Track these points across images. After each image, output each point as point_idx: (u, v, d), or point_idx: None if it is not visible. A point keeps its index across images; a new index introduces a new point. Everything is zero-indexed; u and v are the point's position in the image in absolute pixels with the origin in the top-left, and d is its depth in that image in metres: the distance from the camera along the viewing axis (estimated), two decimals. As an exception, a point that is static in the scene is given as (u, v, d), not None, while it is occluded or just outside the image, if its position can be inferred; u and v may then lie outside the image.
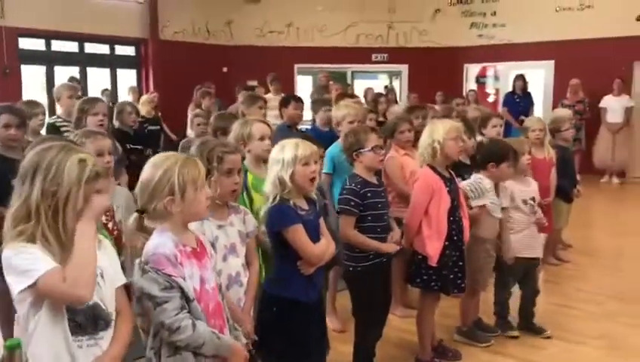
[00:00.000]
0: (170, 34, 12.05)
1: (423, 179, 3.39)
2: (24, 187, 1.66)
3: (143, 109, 7.67)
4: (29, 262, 1.61)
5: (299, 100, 5.18)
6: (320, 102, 5.41)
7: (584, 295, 4.74)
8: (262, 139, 3.19)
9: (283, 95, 7.11)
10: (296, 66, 13.27)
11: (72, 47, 10.81)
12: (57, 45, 10.63)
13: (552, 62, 11.53)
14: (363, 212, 3.04)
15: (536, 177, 4.07)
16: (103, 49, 11.30)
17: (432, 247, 3.31)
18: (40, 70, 10.40)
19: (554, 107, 11.06)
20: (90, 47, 11.08)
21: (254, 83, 12.41)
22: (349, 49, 13.15)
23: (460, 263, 3.40)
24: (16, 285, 1.62)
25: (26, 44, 10.08)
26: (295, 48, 13.06)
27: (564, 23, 11.18)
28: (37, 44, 10.33)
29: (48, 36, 10.37)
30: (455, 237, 3.36)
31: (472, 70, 13.14)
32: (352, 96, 6.76)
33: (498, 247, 3.74)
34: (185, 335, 1.90)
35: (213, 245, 2.28)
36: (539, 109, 10.90)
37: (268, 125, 3.43)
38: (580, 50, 10.81)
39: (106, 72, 11.34)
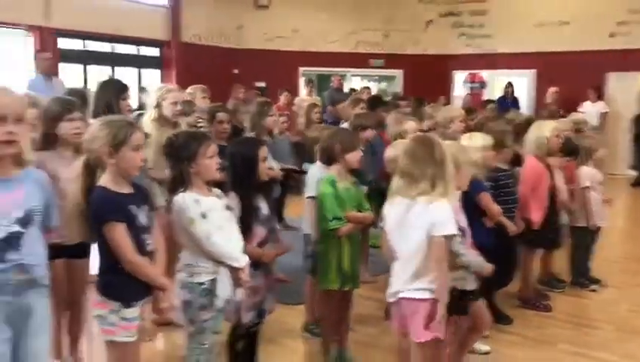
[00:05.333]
0: (189, 37, 12.88)
1: (528, 166, 4.59)
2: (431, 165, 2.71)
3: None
4: (451, 214, 2.69)
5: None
6: (394, 105, 6.54)
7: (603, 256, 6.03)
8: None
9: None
10: (300, 69, 14.30)
11: (104, 47, 11.51)
12: (91, 45, 11.31)
13: (534, 71, 13.07)
14: (496, 190, 4.12)
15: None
16: (131, 50, 12.04)
17: (536, 215, 4.52)
18: (77, 68, 11.04)
19: (535, 112, 12.64)
20: (120, 48, 11.81)
21: (262, 84, 13.44)
22: (349, 54, 14.32)
23: (557, 227, 4.64)
24: (447, 228, 2.65)
25: (64, 44, 10.71)
26: (300, 52, 14.11)
27: (545, 36, 12.71)
28: (74, 44, 10.98)
29: (84, 37, 11.06)
30: (554, 207, 4.59)
31: (459, 77, 14.56)
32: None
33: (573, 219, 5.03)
34: (468, 258, 3.02)
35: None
36: (522, 113, 12.37)
37: (417, 123, 4.57)
38: (559, 61, 12.37)
39: (134, 71, 12.07)
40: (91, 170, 2.38)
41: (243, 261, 2.77)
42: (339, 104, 9.95)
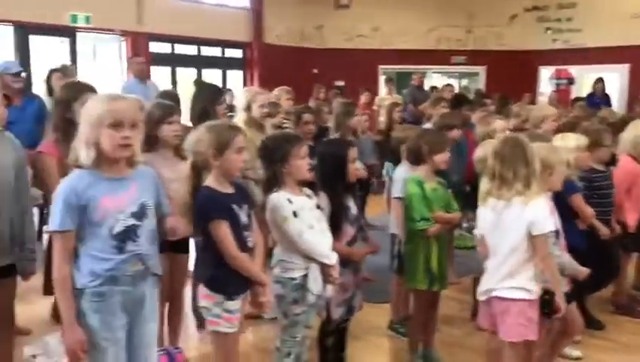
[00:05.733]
0: (272, 38, 13.19)
1: (623, 167, 4.41)
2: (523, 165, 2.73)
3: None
4: (548, 212, 2.73)
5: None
6: (479, 104, 6.44)
7: None
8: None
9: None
10: (380, 67, 14.31)
11: (191, 50, 12.00)
12: (179, 48, 11.82)
13: (627, 65, 12.43)
14: (590, 191, 3.98)
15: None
16: (216, 52, 12.48)
17: (632, 218, 4.34)
18: (166, 71, 11.57)
19: (628, 109, 12.02)
20: (205, 50, 12.27)
21: (341, 83, 13.54)
22: (430, 51, 14.17)
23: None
24: (546, 226, 2.69)
25: (155, 47, 11.24)
26: (380, 51, 14.11)
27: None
28: (164, 48, 11.51)
29: (173, 40, 11.57)
30: (651, 209, 4.39)
31: (545, 73, 14.08)
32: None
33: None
34: (562, 260, 2.98)
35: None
36: (614, 110, 11.78)
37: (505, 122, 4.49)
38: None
39: (218, 72, 12.51)
40: (198, 172, 2.54)
41: (333, 258, 2.85)
42: (420, 102, 9.94)
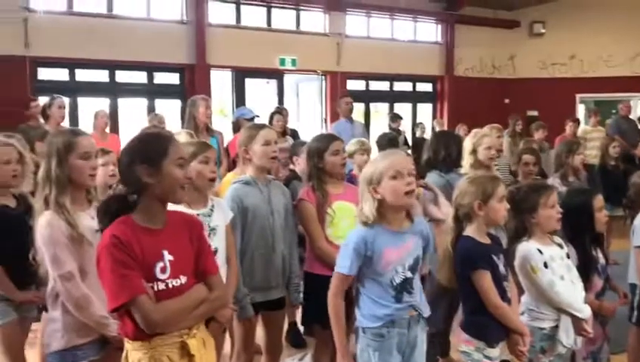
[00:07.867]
0: (462, 70, 13.21)
1: None
2: None
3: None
4: None
5: None
6: None
7: None
8: None
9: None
10: (577, 96, 13.57)
11: (384, 86, 12.46)
12: (373, 85, 12.34)
13: None
14: None
15: None
16: (407, 86, 12.81)
17: None
18: (360, 107, 12.12)
19: None
20: (397, 86, 12.65)
21: (535, 113, 13.04)
22: (634, 78, 13.12)
23: None
24: None
25: (351, 85, 11.85)
26: (577, 79, 13.39)
27: None
28: (359, 85, 12.10)
29: (367, 77, 12.12)
30: None
31: None
32: None
33: None
34: None
35: None
36: None
37: None
38: None
39: (409, 106, 12.81)
40: (459, 222, 2.69)
41: (587, 312, 2.81)
42: (627, 134, 9.24)
